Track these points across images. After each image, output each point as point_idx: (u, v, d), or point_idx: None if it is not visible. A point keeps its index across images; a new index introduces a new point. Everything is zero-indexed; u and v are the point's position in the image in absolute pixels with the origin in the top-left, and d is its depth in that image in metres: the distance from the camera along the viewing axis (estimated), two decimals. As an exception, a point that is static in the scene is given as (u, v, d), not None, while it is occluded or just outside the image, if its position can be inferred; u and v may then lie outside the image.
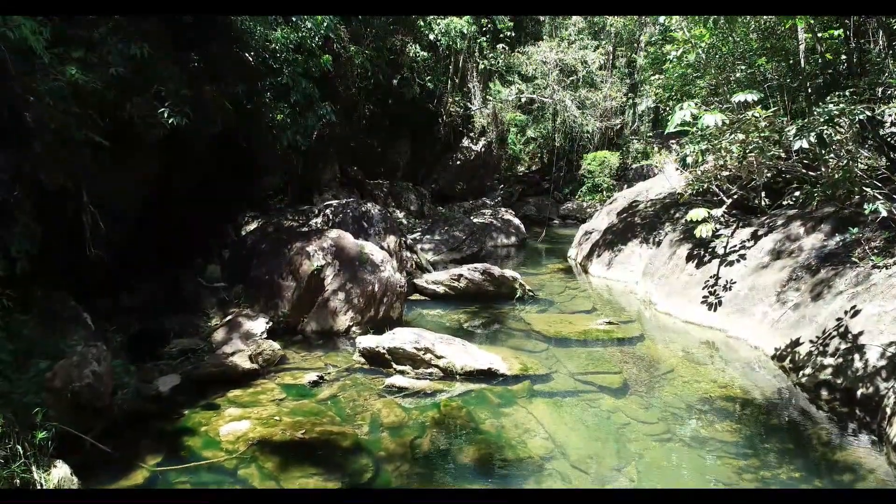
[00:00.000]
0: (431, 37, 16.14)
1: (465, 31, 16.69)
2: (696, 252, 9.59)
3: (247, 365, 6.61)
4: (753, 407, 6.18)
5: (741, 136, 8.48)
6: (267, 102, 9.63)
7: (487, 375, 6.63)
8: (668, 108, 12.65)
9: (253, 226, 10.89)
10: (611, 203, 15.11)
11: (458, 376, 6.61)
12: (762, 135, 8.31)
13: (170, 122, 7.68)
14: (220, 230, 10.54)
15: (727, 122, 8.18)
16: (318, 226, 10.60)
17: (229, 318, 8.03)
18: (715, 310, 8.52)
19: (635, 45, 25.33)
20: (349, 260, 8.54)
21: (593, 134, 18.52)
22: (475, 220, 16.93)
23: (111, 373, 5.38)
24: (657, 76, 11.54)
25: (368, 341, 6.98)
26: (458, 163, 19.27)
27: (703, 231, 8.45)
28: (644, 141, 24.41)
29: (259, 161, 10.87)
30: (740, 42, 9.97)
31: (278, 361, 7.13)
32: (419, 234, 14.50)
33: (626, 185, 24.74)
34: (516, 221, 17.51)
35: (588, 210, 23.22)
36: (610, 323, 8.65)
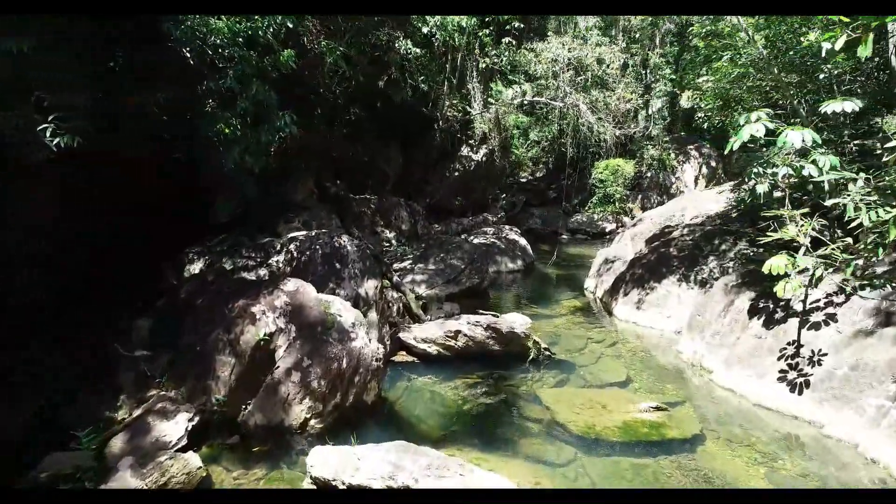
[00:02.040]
0: (425, 30, 13.94)
1: (464, 25, 14.49)
2: (762, 305, 7.42)
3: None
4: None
5: (831, 160, 6.30)
6: (209, 112, 7.46)
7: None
8: (711, 115, 10.48)
9: (199, 265, 8.70)
10: (635, 225, 12.92)
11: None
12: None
13: (54, 142, 5.54)
14: (156, 273, 8.37)
15: (818, 140, 6.00)
16: (279, 266, 8.43)
17: (141, 410, 5.86)
18: (800, 392, 6.34)
19: (648, 41, 23.18)
20: (309, 325, 6.37)
21: (608, 140, 16.29)
22: (476, 241, 14.77)
23: None
24: (704, 77, 9.37)
25: (322, 465, 4.80)
26: (457, 174, 17.07)
27: (787, 290, 6.28)
28: (660, 147, 22.27)
29: (203, 184, 8.71)
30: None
31: (197, 486, 4.98)
32: (410, 261, 12.32)
33: (640, 196, 22.61)
34: (522, 242, 15.34)
35: (600, 223, 21.17)
36: (657, 409, 6.48)
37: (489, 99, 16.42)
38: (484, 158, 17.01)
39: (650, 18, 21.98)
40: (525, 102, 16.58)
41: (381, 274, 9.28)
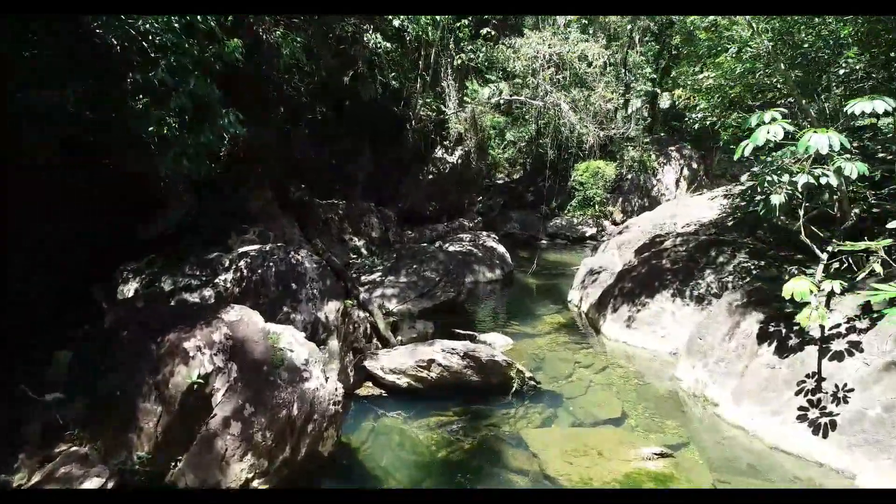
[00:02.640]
0: (396, 23, 12.97)
1: (438, 18, 13.56)
2: (773, 329, 6.60)
3: None
4: None
5: (858, 167, 5.48)
6: (138, 110, 6.39)
7: None
8: (708, 114, 9.66)
9: (134, 285, 7.60)
10: (621, 233, 12.11)
11: None
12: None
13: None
14: (82, 297, 7.27)
15: (846, 145, 5.18)
16: (227, 286, 7.38)
17: (41, 475, 4.79)
18: (825, 435, 5.51)
19: (627, 39, 22.47)
20: (253, 363, 5.36)
21: (591, 141, 15.48)
22: (451, 249, 13.85)
23: None
24: (705, 74, 8.57)
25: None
26: (431, 177, 16.11)
27: (812, 320, 5.44)
28: (640, 148, 21.59)
29: (142, 193, 7.63)
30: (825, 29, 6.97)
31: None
32: (380, 274, 11.31)
33: (620, 199, 21.89)
34: (500, 249, 14.43)
35: (580, 227, 20.40)
36: (661, 455, 5.60)
37: (465, 98, 15.49)
38: (459, 160, 16.07)
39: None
40: (502, 102, 15.66)
41: (344, 293, 8.28)
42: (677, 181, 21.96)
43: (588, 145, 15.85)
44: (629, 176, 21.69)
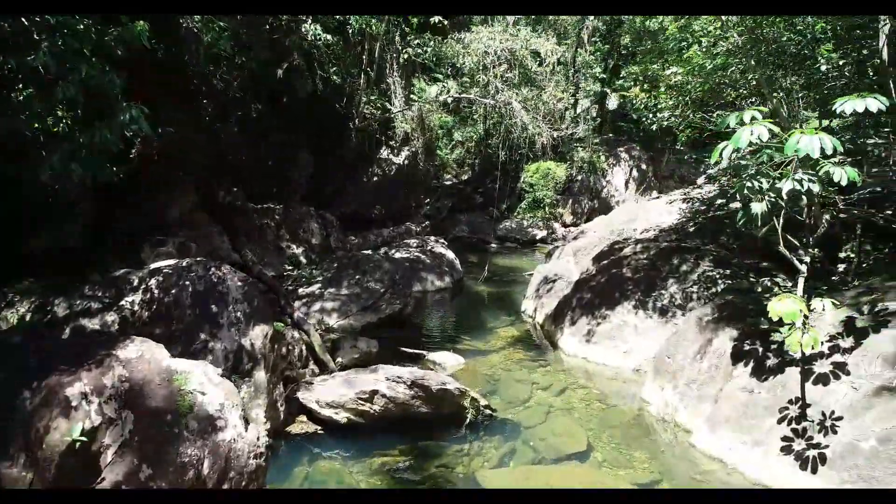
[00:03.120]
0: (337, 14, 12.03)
1: (382, 10, 12.68)
2: (748, 347, 6.06)
3: None
4: None
5: (848, 173, 4.95)
6: (16, 102, 5.32)
7: None
8: (672, 115, 9.12)
9: (22, 308, 6.45)
10: (576, 238, 11.56)
11: None
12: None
13: None
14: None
15: (839, 148, 4.63)
16: (135, 309, 6.34)
17: None
18: (814, 470, 4.96)
19: (576, 38, 22.10)
20: (155, 412, 4.40)
21: (544, 141, 14.90)
22: (398, 256, 13.00)
23: None
24: (672, 70, 8.01)
25: None
26: (376, 179, 15.22)
27: (805, 346, 4.86)
28: (590, 149, 21.25)
29: (11, 202, 6.48)
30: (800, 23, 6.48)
31: None
32: (319, 285, 10.37)
33: (570, 200, 21.47)
34: (449, 255, 13.65)
35: (530, 230, 19.84)
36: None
37: (412, 96, 14.68)
38: (406, 161, 15.25)
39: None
40: (451, 100, 14.91)
41: (277, 312, 7.36)
42: (626, 182, 21.73)
43: (540, 145, 15.23)
44: (579, 177, 21.30)
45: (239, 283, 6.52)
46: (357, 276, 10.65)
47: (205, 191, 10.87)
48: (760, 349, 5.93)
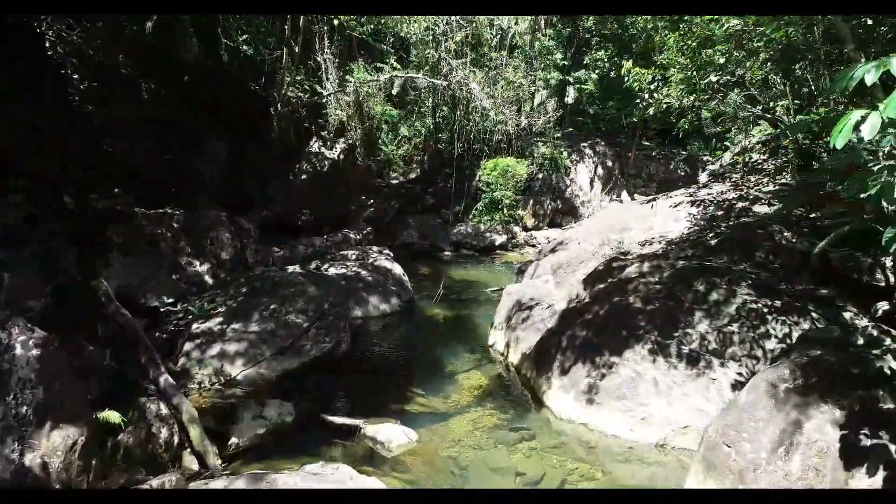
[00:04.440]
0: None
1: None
2: (869, 440, 3.83)
3: None
4: None
5: None
6: None
7: None
8: (681, 97, 6.91)
9: None
10: (554, 250, 9.24)
11: None
12: None
13: None
14: None
15: None
16: None
17: None
18: None
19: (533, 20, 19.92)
20: None
21: (509, 130, 12.55)
22: (332, 273, 10.48)
23: None
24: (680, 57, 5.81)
25: None
26: (305, 177, 12.56)
27: None
28: (552, 144, 19.15)
29: None
30: None
31: None
32: (220, 320, 7.72)
33: (531, 201, 19.27)
34: (397, 270, 11.16)
35: (488, 235, 17.53)
36: None
37: (346, 77, 12.09)
38: (342, 156, 12.63)
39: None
40: (396, 80, 12.36)
41: (131, 383, 4.73)
42: (591, 181, 19.78)
43: (504, 136, 12.89)
44: (539, 175, 19.17)
45: (34, 353, 3.86)
46: (273, 306, 8.05)
47: (75, 193, 8.07)
48: (892, 445, 3.72)
